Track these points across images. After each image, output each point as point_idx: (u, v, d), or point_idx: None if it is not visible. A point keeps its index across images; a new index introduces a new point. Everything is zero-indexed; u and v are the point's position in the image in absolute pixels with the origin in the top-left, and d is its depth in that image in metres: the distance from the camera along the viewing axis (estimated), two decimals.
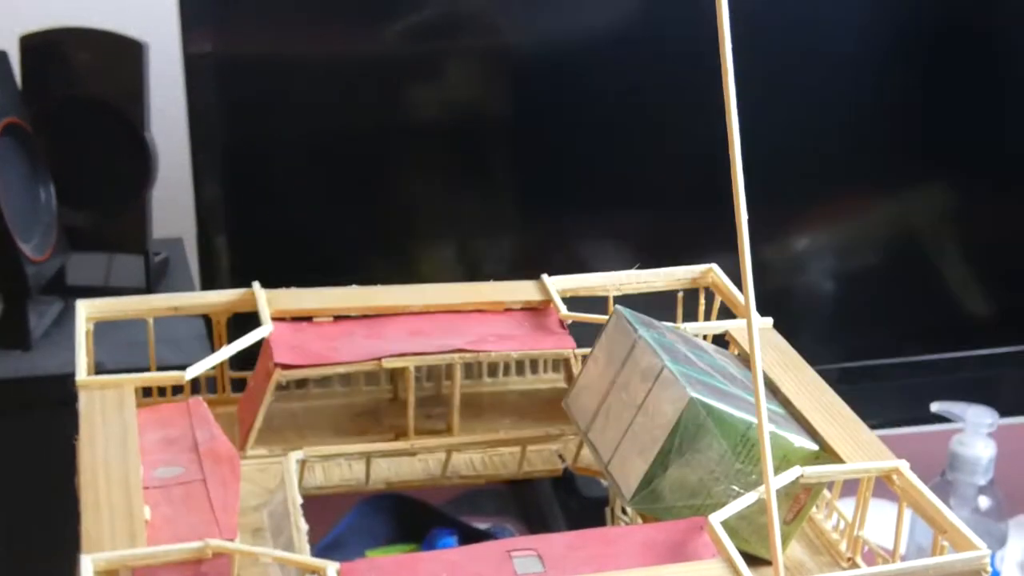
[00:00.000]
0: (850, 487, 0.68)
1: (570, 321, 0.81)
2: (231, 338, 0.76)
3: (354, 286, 0.81)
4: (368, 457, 0.76)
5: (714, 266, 0.86)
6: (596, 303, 0.84)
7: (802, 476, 0.63)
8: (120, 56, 1.10)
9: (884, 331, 1.35)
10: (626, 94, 1.19)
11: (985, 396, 1.13)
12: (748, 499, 0.61)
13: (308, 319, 0.78)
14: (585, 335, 0.78)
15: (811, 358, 0.77)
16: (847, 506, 0.70)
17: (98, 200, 1.14)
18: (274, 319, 0.77)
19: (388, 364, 0.76)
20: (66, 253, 1.11)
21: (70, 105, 1.10)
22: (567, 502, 1.22)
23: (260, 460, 0.76)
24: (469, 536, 1.12)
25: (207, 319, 0.81)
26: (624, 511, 0.78)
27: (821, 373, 0.75)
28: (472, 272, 1.21)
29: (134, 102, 1.10)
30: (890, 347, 1.34)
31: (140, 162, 1.11)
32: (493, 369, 0.85)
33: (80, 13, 1.20)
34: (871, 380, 1.32)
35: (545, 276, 0.84)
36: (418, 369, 0.78)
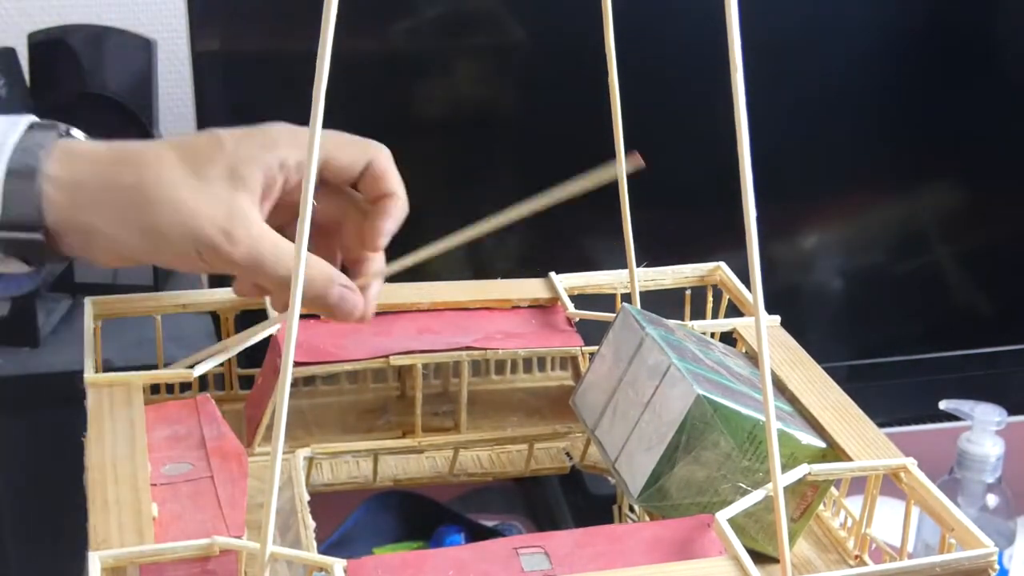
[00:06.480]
0: (858, 485, 0.68)
1: (577, 319, 0.81)
2: None
3: None
4: (375, 454, 0.76)
5: (722, 264, 0.86)
6: (603, 301, 0.84)
7: (809, 474, 0.63)
8: (128, 53, 1.10)
9: (892, 329, 1.35)
10: (634, 90, 1.18)
11: (994, 394, 1.13)
12: (755, 497, 0.61)
13: (316, 316, 0.78)
14: (593, 333, 0.78)
15: (819, 356, 0.77)
16: (854, 504, 0.70)
17: None
18: None
19: (396, 361, 0.76)
20: None
21: (78, 102, 1.10)
22: (574, 500, 1.22)
23: (268, 457, 0.75)
24: (476, 534, 1.12)
25: (215, 316, 0.81)
26: (631, 509, 0.78)
27: (829, 371, 0.75)
28: (480, 270, 1.21)
29: (142, 99, 1.10)
30: (898, 345, 1.33)
31: None
32: (501, 367, 0.85)
33: (88, 10, 1.20)
34: (879, 378, 1.31)
35: (553, 274, 0.84)
36: (426, 367, 0.78)
